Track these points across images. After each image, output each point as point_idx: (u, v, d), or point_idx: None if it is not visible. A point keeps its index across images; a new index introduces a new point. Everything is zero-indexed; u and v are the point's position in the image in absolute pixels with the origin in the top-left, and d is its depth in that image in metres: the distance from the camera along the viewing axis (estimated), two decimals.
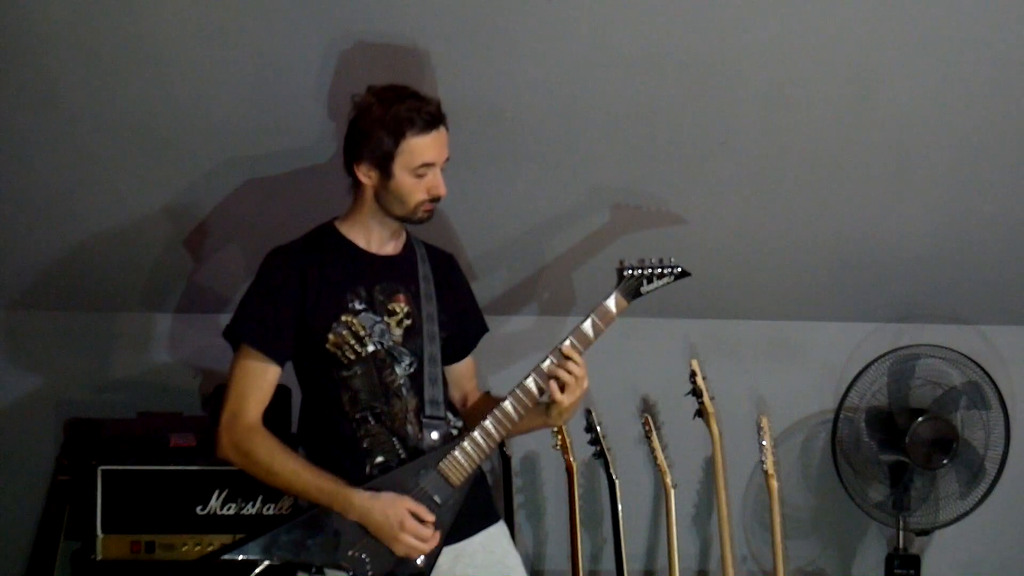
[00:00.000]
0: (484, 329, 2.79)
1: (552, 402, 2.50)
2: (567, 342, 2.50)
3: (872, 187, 3.41)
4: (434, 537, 2.44)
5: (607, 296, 2.55)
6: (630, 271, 2.58)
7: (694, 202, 3.38)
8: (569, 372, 2.48)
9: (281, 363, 2.51)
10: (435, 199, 2.53)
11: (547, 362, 2.49)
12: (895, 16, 2.87)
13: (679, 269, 2.61)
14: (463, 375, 2.77)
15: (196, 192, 3.25)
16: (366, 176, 2.52)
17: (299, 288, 2.49)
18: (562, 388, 2.48)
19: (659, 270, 2.59)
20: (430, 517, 2.43)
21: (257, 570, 2.54)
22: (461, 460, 2.48)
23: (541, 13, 2.83)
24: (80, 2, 2.76)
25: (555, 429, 3.51)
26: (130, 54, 2.87)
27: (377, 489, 2.43)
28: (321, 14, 2.80)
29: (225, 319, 2.54)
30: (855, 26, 2.90)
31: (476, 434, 2.49)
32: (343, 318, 2.49)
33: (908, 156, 3.30)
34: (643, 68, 2.98)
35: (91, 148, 3.11)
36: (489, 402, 2.63)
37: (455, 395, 2.73)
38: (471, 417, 2.64)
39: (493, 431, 2.49)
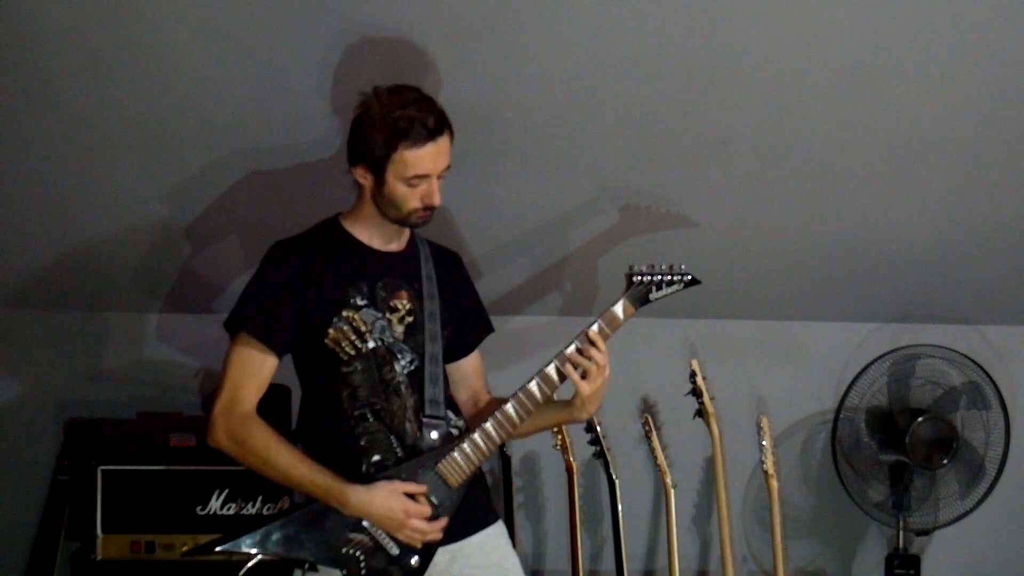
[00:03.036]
0: (489, 329, 2.76)
1: (573, 397, 2.51)
2: (572, 347, 2.49)
3: (872, 187, 3.41)
4: (440, 520, 2.44)
5: (615, 302, 2.53)
6: (639, 277, 2.55)
7: (694, 202, 3.37)
8: (590, 359, 2.47)
9: (279, 355, 2.48)
10: (429, 207, 2.49)
11: (551, 365, 2.48)
12: (895, 16, 2.87)
13: (689, 277, 2.58)
14: (470, 374, 2.73)
15: (196, 190, 3.25)
16: (363, 178, 2.49)
17: (301, 281, 2.47)
18: (583, 375, 2.48)
19: (668, 277, 2.56)
20: (420, 489, 2.42)
21: (249, 564, 2.48)
22: (460, 462, 2.47)
23: (544, 13, 2.83)
24: (80, 2, 2.75)
25: (555, 429, 3.51)
26: (130, 53, 2.86)
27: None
28: (324, 9, 2.79)
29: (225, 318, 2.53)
30: (855, 26, 2.90)
31: (476, 436, 2.48)
32: (344, 313, 2.47)
33: (908, 156, 3.30)
34: (644, 68, 2.98)
35: (90, 148, 3.11)
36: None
37: (463, 395, 2.70)
38: (479, 422, 2.58)
39: (493, 433, 2.48)
